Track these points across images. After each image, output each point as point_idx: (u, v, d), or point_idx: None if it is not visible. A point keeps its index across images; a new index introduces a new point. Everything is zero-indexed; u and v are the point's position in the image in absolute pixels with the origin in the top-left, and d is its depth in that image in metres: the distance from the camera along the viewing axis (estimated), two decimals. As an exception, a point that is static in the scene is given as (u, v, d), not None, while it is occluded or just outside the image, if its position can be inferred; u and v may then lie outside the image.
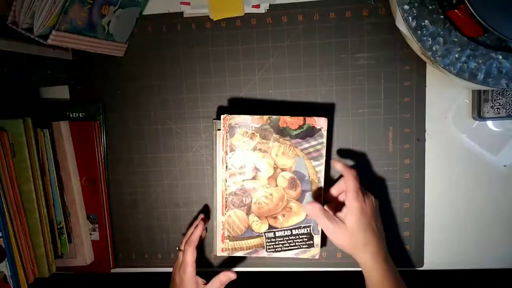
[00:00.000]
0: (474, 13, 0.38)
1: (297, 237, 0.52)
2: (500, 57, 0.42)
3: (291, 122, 0.50)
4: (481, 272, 0.60)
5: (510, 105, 0.53)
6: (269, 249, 0.53)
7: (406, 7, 0.43)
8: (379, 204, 0.52)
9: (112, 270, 0.64)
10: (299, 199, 0.51)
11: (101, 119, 0.61)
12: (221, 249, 0.54)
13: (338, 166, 0.49)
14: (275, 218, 0.52)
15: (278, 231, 0.52)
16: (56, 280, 0.59)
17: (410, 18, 0.43)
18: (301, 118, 0.50)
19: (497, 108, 0.53)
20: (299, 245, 0.52)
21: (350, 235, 0.47)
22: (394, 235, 0.59)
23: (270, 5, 0.56)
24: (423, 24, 0.43)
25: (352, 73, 0.56)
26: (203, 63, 0.59)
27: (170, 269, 0.64)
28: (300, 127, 0.50)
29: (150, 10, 0.58)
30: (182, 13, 0.57)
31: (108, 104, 0.61)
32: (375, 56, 0.55)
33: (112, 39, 0.55)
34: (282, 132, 0.50)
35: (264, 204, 0.52)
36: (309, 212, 0.49)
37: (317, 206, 0.48)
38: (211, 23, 0.58)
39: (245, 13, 0.56)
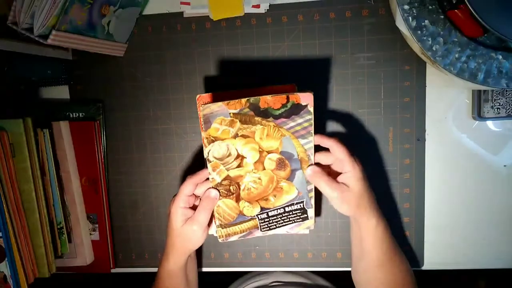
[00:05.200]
0: (474, 13, 0.38)
1: (290, 213, 0.50)
2: (500, 57, 0.42)
3: (272, 101, 0.44)
4: (481, 272, 0.60)
5: (510, 105, 0.53)
6: (263, 228, 0.50)
7: (406, 7, 0.43)
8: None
9: (112, 270, 0.64)
10: (290, 178, 0.48)
11: (101, 119, 0.61)
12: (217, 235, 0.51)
13: (315, 140, 0.47)
14: (267, 200, 0.49)
15: (270, 211, 0.50)
16: (56, 280, 0.59)
17: (410, 18, 0.43)
18: (284, 96, 0.44)
19: (497, 108, 0.53)
20: (293, 219, 0.50)
21: (357, 197, 0.46)
22: (394, 235, 0.59)
23: (270, 5, 0.56)
24: (423, 24, 0.43)
25: (352, 73, 0.56)
26: (203, 63, 0.59)
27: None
28: (284, 105, 0.44)
29: (150, 10, 0.58)
30: (182, 13, 0.57)
31: (108, 104, 0.61)
32: (375, 56, 0.55)
33: (112, 39, 0.55)
34: (264, 114, 0.45)
35: (254, 189, 0.49)
36: (309, 176, 0.47)
37: (317, 169, 0.47)
38: (211, 23, 0.58)
39: (245, 13, 0.56)
